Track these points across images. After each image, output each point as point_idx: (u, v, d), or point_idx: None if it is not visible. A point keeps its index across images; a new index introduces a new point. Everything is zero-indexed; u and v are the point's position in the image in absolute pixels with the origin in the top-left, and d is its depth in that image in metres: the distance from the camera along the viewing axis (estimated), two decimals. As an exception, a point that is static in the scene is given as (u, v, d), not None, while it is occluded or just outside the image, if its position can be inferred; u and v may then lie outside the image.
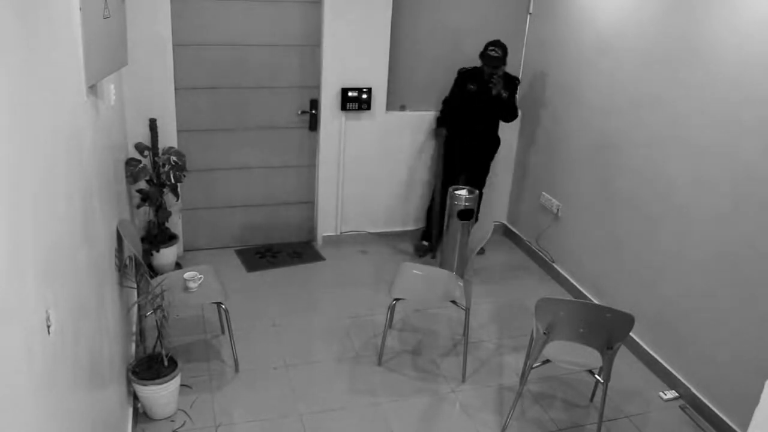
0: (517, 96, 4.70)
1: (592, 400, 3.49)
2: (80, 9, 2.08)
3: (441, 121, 4.89)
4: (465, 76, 4.65)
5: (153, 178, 4.19)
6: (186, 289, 3.45)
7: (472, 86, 4.58)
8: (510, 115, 4.69)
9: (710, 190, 3.33)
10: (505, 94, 4.51)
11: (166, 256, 4.38)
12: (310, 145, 4.88)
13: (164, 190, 4.24)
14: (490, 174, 4.98)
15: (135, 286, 3.36)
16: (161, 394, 3.07)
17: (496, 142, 4.86)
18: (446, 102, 4.82)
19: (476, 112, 4.65)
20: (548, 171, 4.84)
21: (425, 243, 5.04)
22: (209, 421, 3.17)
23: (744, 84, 3.10)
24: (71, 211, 1.91)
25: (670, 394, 3.57)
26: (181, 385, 3.24)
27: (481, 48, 4.49)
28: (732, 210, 3.20)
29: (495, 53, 4.41)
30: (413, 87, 4.93)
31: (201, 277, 3.49)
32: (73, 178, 1.98)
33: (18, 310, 1.30)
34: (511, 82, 4.60)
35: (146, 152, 4.19)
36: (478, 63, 4.57)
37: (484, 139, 4.76)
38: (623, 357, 3.84)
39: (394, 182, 5.09)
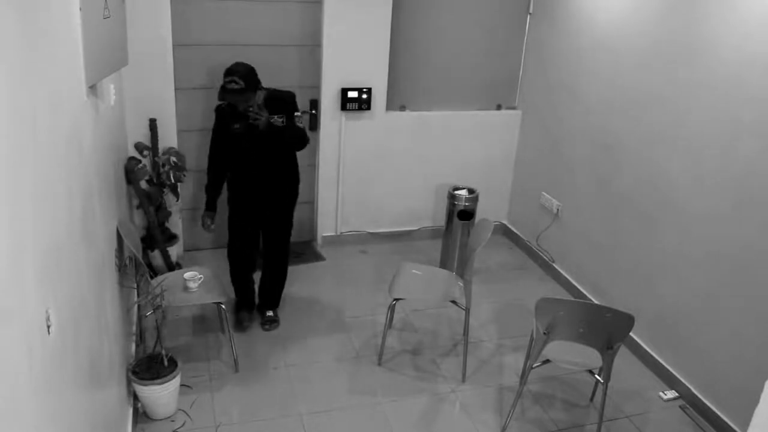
0: (300, 114, 3.64)
1: (592, 400, 3.49)
2: (80, 9, 2.08)
3: (214, 167, 3.75)
4: (224, 114, 3.62)
5: (153, 178, 4.19)
6: (186, 289, 3.45)
7: (236, 126, 3.55)
8: (299, 142, 3.65)
9: (710, 189, 3.33)
10: (280, 120, 3.51)
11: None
12: (310, 145, 4.86)
13: (164, 190, 4.24)
14: (294, 227, 3.94)
15: (135, 286, 3.36)
16: (161, 394, 3.07)
17: (292, 183, 3.81)
18: (212, 155, 3.74)
19: (254, 153, 3.62)
20: (548, 171, 4.84)
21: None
22: (209, 421, 3.17)
23: (744, 83, 3.10)
24: (71, 211, 1.91)
25: (670, 394, 3.57)
26: (181, 385, 3.24)
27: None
28: (732, 210, 3.20)
29: (235, 85, 3.36)
30: (413, 87, 4.93)
31: (201, 277, 3.49)
32: (73, 178, 1.98)
33: (18, 310, 1.30)
34: (282, 101, 3.58)
35: (146, 152, 4.19)
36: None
37: (275, 182, 3.72)
38: (623, 357, 3.83)
39: (394, 182, 5.09)
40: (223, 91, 3.39)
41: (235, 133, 3.57)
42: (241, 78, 3.38)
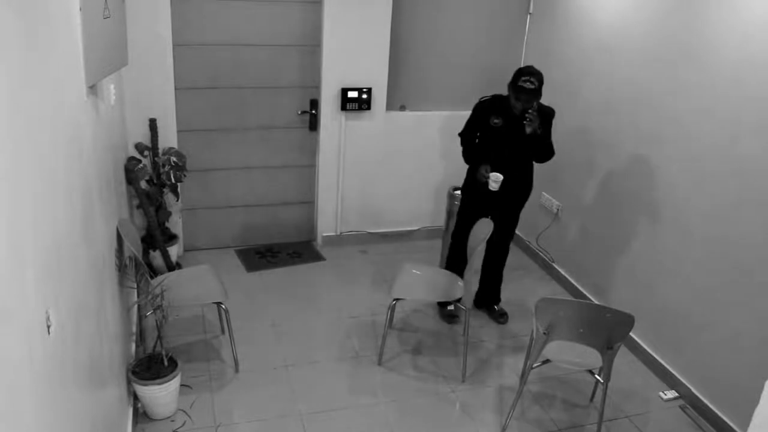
0: (552, 130, 3.80)
1: (592, 400, 3.49)
2: (80, 9, 2.08)
3: (469, 158, 3.96)
4: (486, 107, 3.81)
5: (153, 178, 4.19)
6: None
7: (497, 120, 3.75)
8: (546, 155, 3.82)
9: (710, 190, 3.33)
10: (540, 131, 3.63)
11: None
12: (310, 145, 4.88)
13: (164, 190, 4.24)
14: (518, 225, 4.12)
15: (135, 286, 3.35)
16: (161, 394, 3.07)
17: (528, 188, 3.98)
18: (462, 135, 3.96)
19: (503, 152, 3.79)
20: (548, 171, 4.83)
21: (450, 308, 4.17)
22: (209, 421, 3.17)
23: (744, 83, 3.10)
24: (71, 211, 1.91)
25: (670, 394, 3.57)
26: (181, 385, 3.24)
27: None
28: (732, 210, 3.20)
29: (531, 85, 3.54)
30: (413, 87, 4.93)
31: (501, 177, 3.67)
32: (73, 178, 1.98)
33: (18, 310, 1.30)
34: (546, 115, 3.71)
35: (146, 152, 4.19)
36: (500, 88, 3.89)
37: (514, 184, 3.82)
38: (623, 357, 3.83)
39: (394, 182, 5.09)
40: (520, 89, 3.57)
41: (494, 127, 3.76)
42: (537, 80, 3.57)
